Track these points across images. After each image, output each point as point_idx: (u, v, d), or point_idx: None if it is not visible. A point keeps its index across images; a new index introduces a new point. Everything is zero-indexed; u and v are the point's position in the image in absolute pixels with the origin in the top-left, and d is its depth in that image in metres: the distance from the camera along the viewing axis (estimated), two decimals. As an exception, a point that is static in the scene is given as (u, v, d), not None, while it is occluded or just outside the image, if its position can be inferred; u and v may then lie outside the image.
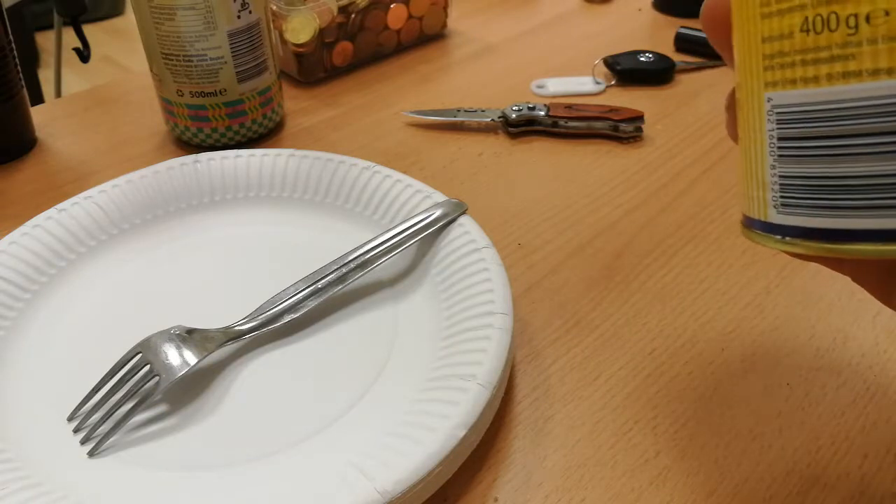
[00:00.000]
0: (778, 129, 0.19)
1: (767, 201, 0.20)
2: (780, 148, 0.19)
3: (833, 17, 0.17)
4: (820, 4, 0.17)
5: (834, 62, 0.17)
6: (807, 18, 0.17)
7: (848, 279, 0.24)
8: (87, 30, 0.80)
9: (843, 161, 0.17)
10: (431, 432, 0.28)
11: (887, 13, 0.16)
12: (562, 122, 0.52)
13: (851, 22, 0.16)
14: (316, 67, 0.59)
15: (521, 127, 0.52)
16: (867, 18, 0.16)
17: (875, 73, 0.16)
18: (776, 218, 0.20)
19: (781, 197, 0.19)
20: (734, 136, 0.24)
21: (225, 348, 0.34)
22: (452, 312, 0.35)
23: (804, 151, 0.18)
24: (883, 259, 0.20)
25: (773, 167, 0.19)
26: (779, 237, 0.20)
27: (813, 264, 0.40)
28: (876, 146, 0.17)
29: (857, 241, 0.18)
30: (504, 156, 0.51)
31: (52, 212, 0.41)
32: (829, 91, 0.17)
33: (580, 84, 0.58)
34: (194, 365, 0.32)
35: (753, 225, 0.21)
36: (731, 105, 0.24)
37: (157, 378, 0.32)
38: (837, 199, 0.18)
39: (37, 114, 0.56)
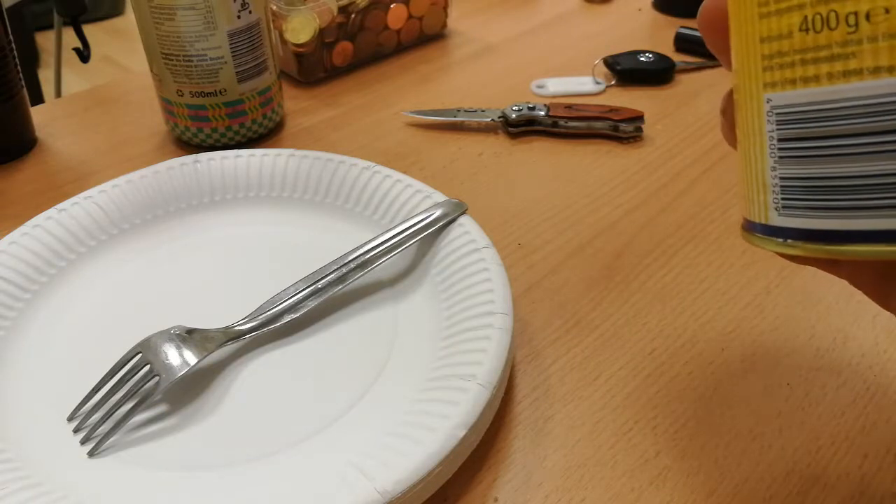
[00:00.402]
0: (778, 130, 0.19)
1: (768, 204, 0.20)
2: (780, 149, 0.19)
3: (833, 15, 0.17)
4: (819, 3, 0.17)
5: (834, 61, 0.17)
6: (806, 17, 0.17)
7: (848, 279, 0.24)
8: (87, 30, 0.80)
9: (845, 161, 0.17)
10: (431, 432, 0.28)
11: (887, 11, 0.16)
12: (562, 122, 0.52)
13: (851, 20, 0.16)
14: (316, 67, 0.59)
15: (521, 127, 0.52)
16: (867, 16, 0.16)
17: (876, 71, 0.16)
18: (777, 220, 0.20)
19: (783, 199, 0.19)
20: (730, 140, 0.24)
21: (225, 348, 0.34)
22: (452, 312, 0.35)
23: (805, 152, 0.18)
24: (883, 260, 0.20)
25: (774, 169, 0.19)
26: (780, 240, 0.20)
27: (813, 264, 0.40)
28: (878, 145, 0.17)
29: (858, 243, 0.18)
30: (504, 156, 0.51)
31: (52, 212, 0.41)
32: (829, 90, 0.17)
33: (580, 84, 0.58)
34: (194, 365, 0.32)
35: (754, 228, 0.21)
36: (727, 109, 0.23)
37: (157, 378, 0.32)
38: (839, 199, 0.18)
39: (37, 114, 0.56)
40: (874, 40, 0.16)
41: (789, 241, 0.19)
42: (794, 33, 0.18)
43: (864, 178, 0.17)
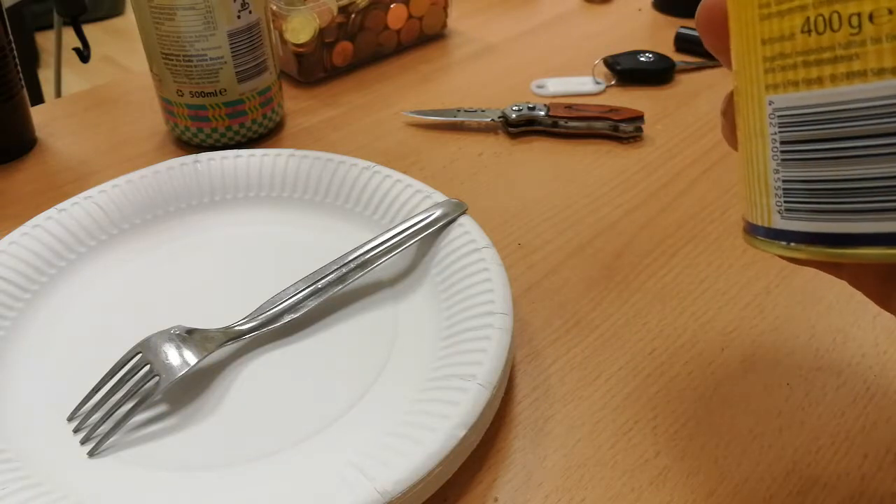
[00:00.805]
0: (780, 132, 0.19)
1: (771, 207, 0.20)
2: (782, 152, 0.19)
3: (835, 16, 0.17)
4: (822, 4, 0.17)
5: (837, 63, 0.17)
6: (808, 19, 0.17)
7: (848, 280, 0.24)
8: (87, 30, 0.80)
9: (848, 164, 0.17)
10: (431, 432, 0.28)
11: (891, 11, 0.16)
12: (562, 122, 0.52)
13: (854, 21, 0.16)
14: (316, 67, 0.59)
15: (521, 127, 0.52)
16: (870, 17, 0.16)
17: (880, 72, 0.16)
18: (780, 223, 0.19)
19: (785, 202, 0.19)
20: (731, 142, 0.24)
21: (225, 348, 0.34)
22: (452, 312, 0.35)
23: (808, 155, 0.18)
24: (886, 263, 0.20)
25: (777, 171, 0.19)
26: (783, 243, 0.19)
27: (813, 264, 0.40)
28: (881, 147, 0.17)
29: (862, 246, 0.18)
30: (504, 156, 0.51)
31: (52, 212, 0.41)
32: (832, 92, 0.17)
33: (580, 84, 0.58)
34: (194, 365, 0.32)
35: (757, 231, 0.21)
36: (728, 110, 0.23)
37: (157, 378, 0.32)
38: (843, 202, 0.18)
39: (37, 114, 0.56)
40: (878, 41, 0.16)
41: (792, 244, 0.19)
42: (797, 35, 0.17)
43: (868, 181, 0.17)
